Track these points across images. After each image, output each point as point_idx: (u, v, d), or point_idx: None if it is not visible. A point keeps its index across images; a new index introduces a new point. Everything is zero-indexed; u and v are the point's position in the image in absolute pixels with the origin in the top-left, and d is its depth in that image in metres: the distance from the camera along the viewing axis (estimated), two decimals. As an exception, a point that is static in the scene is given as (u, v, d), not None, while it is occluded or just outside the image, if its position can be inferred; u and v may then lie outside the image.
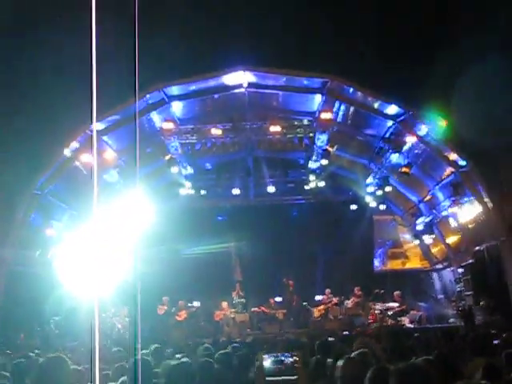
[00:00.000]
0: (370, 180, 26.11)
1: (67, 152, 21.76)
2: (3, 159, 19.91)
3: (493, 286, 22.53)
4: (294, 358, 7.77)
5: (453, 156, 22.06)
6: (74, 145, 21.77)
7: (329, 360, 7.67)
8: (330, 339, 13.40)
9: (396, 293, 25.32)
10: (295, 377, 7.70)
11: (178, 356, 10.02)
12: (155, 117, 23.28)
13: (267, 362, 7.26)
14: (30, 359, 9.26)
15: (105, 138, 22.69)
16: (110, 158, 22.90)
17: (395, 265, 29.61)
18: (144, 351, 10.68)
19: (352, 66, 20.77)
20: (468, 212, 23.35)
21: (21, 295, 21.79)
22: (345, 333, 20.82)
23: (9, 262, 21.46)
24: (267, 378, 5.99)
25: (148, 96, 21.74)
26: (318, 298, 25.96)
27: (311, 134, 24.54)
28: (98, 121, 21.13)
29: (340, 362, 6.17)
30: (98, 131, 21.82)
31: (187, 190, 26.10)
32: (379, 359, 7.34)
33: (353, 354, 7.00)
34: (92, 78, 3.17)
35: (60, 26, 18.54)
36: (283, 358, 7.76)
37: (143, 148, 24.53)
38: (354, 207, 27.49)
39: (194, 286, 26.17)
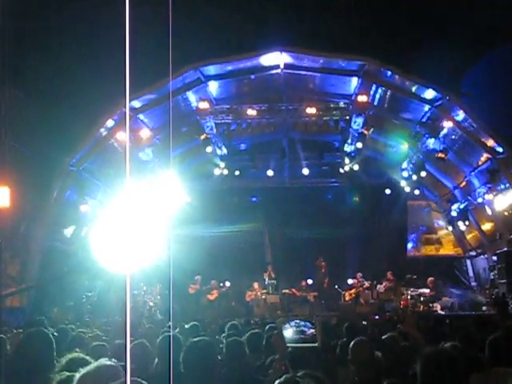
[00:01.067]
0: (405, 165, 25.87)
1: (103, 129, 21.89)
2: (40, 136, 20.09)
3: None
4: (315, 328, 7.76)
5: (490, 142, 21.80)
6: (110, 123, 21.88)
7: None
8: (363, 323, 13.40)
9: (429, 279, 25.15)
10: (315, 344, 7.68)
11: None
12: (191, 96, 23.30)
13: (288, 331, 7.25)
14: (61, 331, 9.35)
15: (141, 116, 22.78)
16: (145, 136, 22.98)
17: (429, 251, 29.45)
18: (178, 330, 10.75)
19: (390, 49, 20.59)
20: (504, 199, 23.11)
21: (56, 271, 22.06)
22: (376, 317, 20.79)
23: (44, 238, 21.70)
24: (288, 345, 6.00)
25: (184, 75, 21.74)
26: (350, 281, 25.86)
27: (347, 117, 24.38)
28: (134, 99, 21.25)
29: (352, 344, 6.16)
30: (133, 109, 21.94)
31: (221, 170, 26.06)
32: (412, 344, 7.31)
33: (383, 337, 6.98)
34: (126, 57, 3.14)
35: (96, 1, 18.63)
36: (304, 328, 7.76)
37: (179, 127, 24.61)
38: (388, 192, 27.34)
39: (226, 267, 26.26)
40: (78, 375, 3.77)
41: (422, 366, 3.96)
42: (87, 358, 4.94)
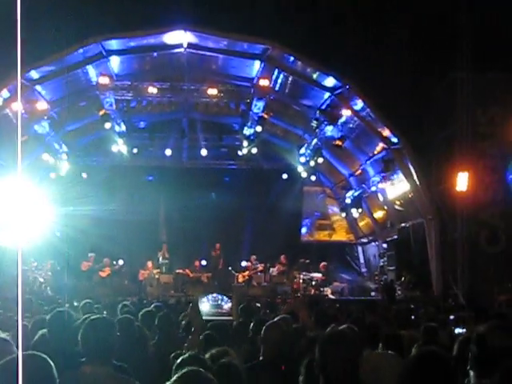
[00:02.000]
0: (303, 150, 26.15)
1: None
2: None
3: (415, 263, 23.03)
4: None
5: (386, 132, 22.27)
6: (5, 93, 21.20)
7: (252, 324, 7.72)
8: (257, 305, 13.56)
9: (322, 264, 25.61)
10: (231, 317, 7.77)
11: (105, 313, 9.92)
12: (91, 70, 22.84)
13: (204, 305, 7.28)
14: None
15: (38, 87, 22.19)
16: (41, 108, 22.37)
17: (322, 236, 30.00)
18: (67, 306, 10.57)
19: (292, 35, 20.69)
20: (396, 189, 23.71)
21: None
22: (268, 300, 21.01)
23: None
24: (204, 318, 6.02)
25: (86, 48, 21.29)
26: (244, 264, 26.05)
27: (248, 100, 24.44)
28: (31, 69, 20.69)
29: (264, 326, 6.23)
30: (31, 80, 21.36)
31: (119, 147, 25.71)
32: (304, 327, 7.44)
33: (276, 319, 7.07)
34: (17, 27, 3.03)
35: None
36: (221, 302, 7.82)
37: (77, 101, 24.15)
38: (285, 176, 27.65)
39: (121, 245, 25.98)
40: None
41: (321, 346, 4.02)
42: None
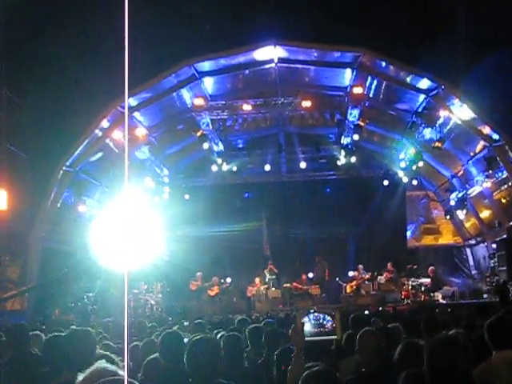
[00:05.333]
0: (402, 155, 25.85)
1: (98, 129, 21.82)
2: (36, 138, 20.09)
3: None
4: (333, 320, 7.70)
5: (486, 130, 21.77)
6: (105, 123, 21.83)
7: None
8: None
9: (430, 268, 25.19)
10: (335, 336, 7.65)
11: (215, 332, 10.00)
12: (186, 93, 23.26)
13: (306, 325, 7.17)
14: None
15: (136, 114, 22.76)
16: (140, 134, 22.91)
17: (428, 240, 29.47)
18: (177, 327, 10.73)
19: (383, 39, 20.54)
20: (502, 187, 23.11)
21: (55, 272, 22.02)
22: (380, 308, 20.81)
23: (43, 239, 21.69)
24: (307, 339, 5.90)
25: (178, 72, 21.73)
26: (351, 274, 25.87)
27: (343, 109, 24.33)
28: (129, 97, 21.24)
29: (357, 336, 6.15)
30: (129, 108, 21.90)
31: (219, 166, 26.02)
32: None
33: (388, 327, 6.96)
34: (124, 56, 3.10)
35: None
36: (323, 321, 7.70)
37: (174, 124, 24.64)
38: (386, 183, 27.32)
39: (227, 263, 26.32)
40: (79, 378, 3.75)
41: (429, 352, 3.93)
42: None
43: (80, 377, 3.73)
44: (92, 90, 19.72)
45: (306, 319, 7.50)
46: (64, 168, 21.63)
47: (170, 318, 20.31)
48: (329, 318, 7.63)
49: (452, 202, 26.56)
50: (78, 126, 21.17)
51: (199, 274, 25.61)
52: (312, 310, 9.05)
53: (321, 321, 7.53)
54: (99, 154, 22.79)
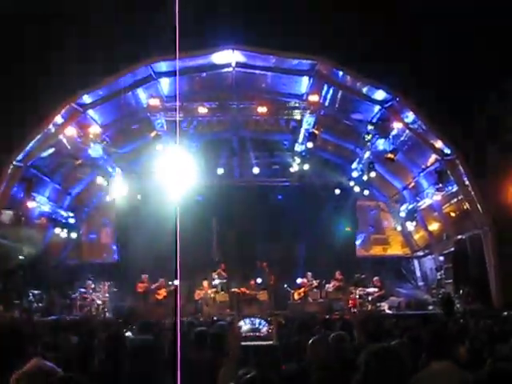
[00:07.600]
0: (355, 165, 26.03)
1: (51, 125, 21.55)
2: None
3: (473, 275, 22.66)
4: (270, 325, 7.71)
5: (438, 144, 22.04)
6: (59, 118, 21.58)
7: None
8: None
9: (376, 278, 25.43)
10: (271, 342, 7.67)
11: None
12: (142, 93, 23.14)
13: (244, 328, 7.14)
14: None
15: (90, 112, 22.56)
16: (94, 132, 22.68)
17: (377, 250, 29.71)
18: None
19: (341, 49, 20.65)
20: (451, 200, 23.41)
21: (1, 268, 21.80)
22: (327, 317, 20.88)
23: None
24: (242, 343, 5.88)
25: (135, 72, 21.62)
26: (299, 280, 25.92)
27: (298, 117, 24.38)
28: (83, 94, 21.13)
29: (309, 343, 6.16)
30: (83, 105, 21.76)
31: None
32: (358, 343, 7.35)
33: (330, 336, 6.99)
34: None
35: None
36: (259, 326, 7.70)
37: (129, 124, 24.49)
38: (338, 192, 27.45)
39: (174, 266, 26.09)
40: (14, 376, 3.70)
41: (365, 363, 3.94)
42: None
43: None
44: (46, 86, 19.49)
45: (241, 323, 7.50)
46: (14, 163, 21.31)
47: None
48: (265, 323, 7.63)
49: (402, 214, 26.80)
50: (30, 121, 20.87)
51: (145, 276, 25.42)
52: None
53: (256, 325, 7.53)
54: (51, 150, 22.50)
